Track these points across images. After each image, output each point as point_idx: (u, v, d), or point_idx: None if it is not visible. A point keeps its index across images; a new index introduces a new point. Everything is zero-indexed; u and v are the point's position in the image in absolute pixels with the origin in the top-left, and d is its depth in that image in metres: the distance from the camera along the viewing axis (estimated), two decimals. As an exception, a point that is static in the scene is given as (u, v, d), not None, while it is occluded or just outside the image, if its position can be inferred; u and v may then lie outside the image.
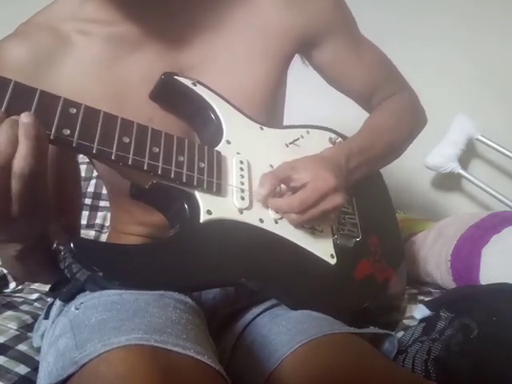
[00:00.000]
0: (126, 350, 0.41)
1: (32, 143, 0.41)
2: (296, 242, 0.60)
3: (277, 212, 0.60)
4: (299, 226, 0.61)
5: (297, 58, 0.71)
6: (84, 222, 1.13)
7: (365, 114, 0.79)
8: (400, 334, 0.70)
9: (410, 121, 0.77)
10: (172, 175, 0.52)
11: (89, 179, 1.19)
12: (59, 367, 0.44)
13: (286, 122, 0.74)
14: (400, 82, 0.79)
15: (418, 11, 1.46)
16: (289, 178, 0.59)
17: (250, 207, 0.58)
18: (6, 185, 0.42)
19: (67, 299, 0.56)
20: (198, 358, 0.43)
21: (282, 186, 0.61)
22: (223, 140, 0.61)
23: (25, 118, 0.42)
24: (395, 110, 0.76)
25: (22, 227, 0.46)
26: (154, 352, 0.42)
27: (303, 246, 0.61)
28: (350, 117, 0.80)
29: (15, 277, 0.95)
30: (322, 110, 1.23)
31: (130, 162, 0.49)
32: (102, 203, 1.16)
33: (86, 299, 0.51)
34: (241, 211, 0.57)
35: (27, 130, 0.41)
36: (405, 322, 0.74)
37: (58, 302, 0.59)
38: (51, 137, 0.45)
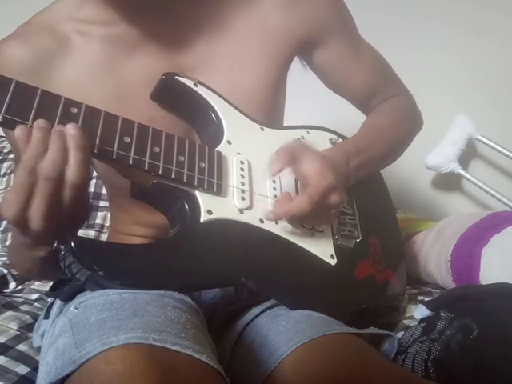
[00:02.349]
0: (124, 348, 0.41)
1: (82, 154, 0.44)
2: (296, 243, 0.61)
3: (289, 220, 0.59)
4: (299, 226, 0.61)
5: (296, 61, 0.72)
6: (84, 221, 1.13)
7: (363, 116, 0.79)
8: (400, 334, 0.70)
9: (407, 122, 0.78)
10: (173, 175, 0.52)
11: (89, 179, 1.19)
12: (58, 366, 0.44)
13: (285, 124, 0.74)
14: (397, 84, 0.80)
15: (418, 13, 1.46)
16: (296, 157, 0.58)
17: (250, 207, 0.58)
18: (58, 194, 0.44)
19: (67, 299, 0.56)
20: (197, 356, 0.43)
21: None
22: (224, 140, 0.61)
23: (73, 130, 0.44)
24: (393, 112, 0.76)
25: (65, 232, 0.49)
26: (152, 351, 0.42)
27: (303, 247, 0.61)
28: (349, 119, 0.80)
29: (30, 278, 0.95)
30: (321, 112, 1.23)
31: (130, 162, 0.50)
32: (102, 203, 1.16)
33: (86, 298, 0.51)
34: (241, 211, 0.57)
35: (77, 141, 0.44)
36: (405, 322, 0.74)
37: (58, 302, 0.59)
38: None
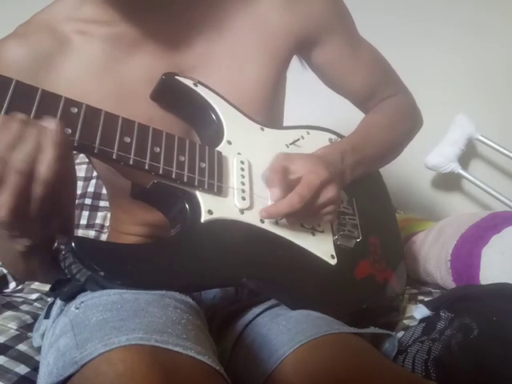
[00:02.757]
0: (126, 349, 0.41)
1: (58, 151, 0.42)
2: (296, 243, 0.61)
3: (281, 218, 0.59)
4: (299, 226, 0.61)
5: (295, 61, 0.72)
6: (84, 222, 1.13)
7: (363, 116, 0.79)
8: (400, 334, 0.70)
9: (406, 121, 0.78)
10: (173, 175, 0.52)
11: (89, 179, 1.19)
12: (60, 367, 0.44)
13: (285, 124, 0.74)
14: (397, 83, 0.80)
15: (418, 12, 1.46)
16: (287, 168, 0.59)
17: (250, 207, 0.58)
18: (28, 189, 0.42)
19: (68, 299, 0.56)
20: (199, 358, 0.43)
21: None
22: (224, 140, 0.61)
23: (51, 125, 0.42)
24: (392, 111, 0.76)
25: (37, 228, 0.47)
26: (154, 352, 0.42)
27: (303, 247, 0.61)
28: (348, 118, 0.80)
29: (15, 275, 0.95)
30: (321, 112, 1.23)
31: (131, 162, 0.50)
32: (102, 203, 1.16)
33: (87, 299, 0.51)
34: (242, 211, 0.57)
35: (54, 136, 0.42)
36: (405, 321, 0.74)
37: (58, 302, 0.59)
38: None
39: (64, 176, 0.44)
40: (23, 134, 0.41)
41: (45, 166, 0.42)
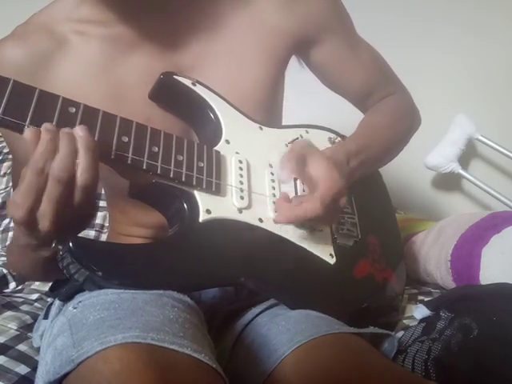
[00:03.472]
0: (122, 347, 0.41)
1: (92, 155, 0.44)
2: (295, 242, 0.60)
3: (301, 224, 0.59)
4: (299, 225, 0.61)
5: (294, 60, 0.72)
6: (84, 222, 1.13)
7: (361, 115, 0.79)
8: (400, 333, 0.69)
9: (405, 121, 0.78)
10: (171, 174, 0.52)
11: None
12: (57, 365, 0.44)
13: (284, 123, 0.74)
14: (395, 82, 0.80)
15: (418, 12, 1.46)
16: (304, 158, 0.58)
17: (249, 207, 0.58)
18: (68, 196, 0.44)
19: (66, 299, 0.56)
20: (195, 356, 0.43)
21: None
22: (222, 139, 0.61)
23: (81, 132, 0.44)
24: (391, 110, 0.76)
25: (71, 232, 0.49)
26: (150, 350, 0.42)
27: (302, 246, 0.61)
28: (347, 117, 0.80)
29: (33, 280, 0.95)
30: (320, 111, 1.23)
31: (129, 162, 0.50)
32: (102, 203, 1.15)
33: (85, 298, 0.51)
34: (240, 211, 0.57)
35: (86, 142, 0.44)
36: (405, 321, 0.74)
37: (57, 302, 0.59)
38: None
39: (97, 179, 0.46)
40: (56, 144, 0.43)
41: (83, 172, 0.44)
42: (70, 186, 0.44)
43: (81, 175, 0.44)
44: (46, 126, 0.44)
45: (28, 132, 0.44)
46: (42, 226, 0.45)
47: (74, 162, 0.44)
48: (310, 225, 0.61)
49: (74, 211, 0.45)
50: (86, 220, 0.50)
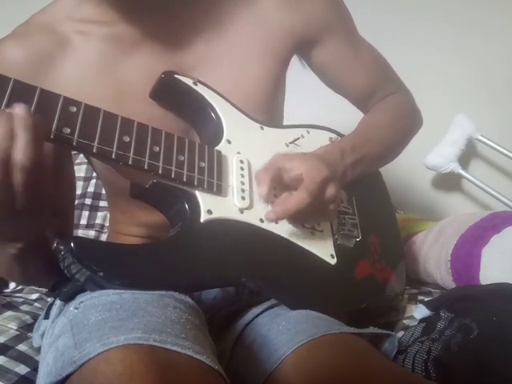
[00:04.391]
0: (124, 349, 0.41)
1: (29, 134, 0.41)
2: (296, 242, 0.60)
3: (291, 218, 0.59)
4: (299, 225, 0.61)
5: (295, 60, 0.72)
6: (84, 222, 1.13)
7: (361, 115, 0.79)
8: (400, 333, 0.69)
9: (406, 120, 0.78)
10: (172, 175, 0.52)
11: (89, 179, 1.19)
12: (58, 367, 0.44)
13: (285, 123, 0.74)
14: (396, 83, 0.80)
15: (418, 12, 1.46)
16: (282, 168, 0.59)
17: (250, 207, 0.58)
18: (8, 179, 0.41)
19: (67, 299, 0.56)
20: (197, 357, 0.43)
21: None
22: (223, 139, 0.61)
23: (19, 110, 0.42)
24: (391, 110, 0.76)
25: (27, 221, 0.46)
26: (152, 351, 0.42)
27: (303, 246, 0.61)
28: (348, 118, 0.80)
29: (12, 281, 0.95)
30: (321, 111, 1.23)
31: (130, 162, 0.49)
32: (102, 203, 1.16)
33: (86, 299, 0.51)
34: (241, 211, 0.57)
35: (23, 121, 0.41)
36: (405, 321, 0.74)
37: (58, 302, 0.59)
38: (51, 135, 0.45)
39: (43, 162, 0.43)
40: None
41: (19, 152, 0.41)
42: (8, 167, 0.41)
43: (16, 155, 0.41)
44: None
45: None
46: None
47: (10, 142, 0.41)
48: (300, 219, 0.60)
49: (20, 197, 0.42)
50: (45, 213, 0.47)
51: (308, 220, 0.62)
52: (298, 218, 0.60)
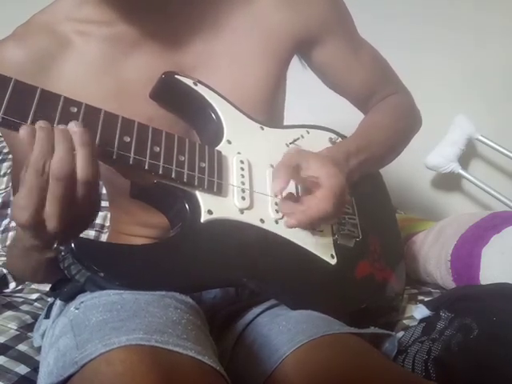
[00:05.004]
0: (126, 350, 0.41)
1: (89, 150, 0.44)
2: (296, 242, 0.60)
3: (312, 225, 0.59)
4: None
5: (295, 60, 0.72)
6: (84, 221, 1.13)
7: (362, 116, 0.79)
8: (400, 334, 0.69)
9: (406, 121, 0.78)
10: (173, 175, 0.52)
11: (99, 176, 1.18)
12: (60, 367, 0.44)
13: (285, 123, 0.74)
14: (396, 83, 0.80)
15: (418, 14, 1.46)
16: (299, 166, 0.58)
17: (250, 207, 0.58)
18: (71, 194, 0.44)
19: (67, 299, 0.56)
20: (199, 358, 0.43)
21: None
22: (224, 140, 0.61)
23: (76, 127, 0.44)
24: (391, 110, 0.76)
25: (77, 231, 0.49)
26: (154, 352, 0.42)
27: (304, 246, 0.61)
28: (348, 118, 0.80)
29: (32, 281, 0.95)
30: (321, 111, 1.23)
31: (130, 162, 0.50)
32: (102, 203, 1.14)
33: (87, 299, 0.51)
34: (241, 211, 0.57)
35: (82, 138, 0.44)
36: (405, 321, 0.74)
37: (58, 302, 0.59)
38: None
39: (98, 173, 0.46)
40: (51, 142, 0.43)
41: (82, 168, 0.44)
42: (72, 183, 0.44)
43: (81, 171, 0.44)
44: (39, 123, 0.44)
45: (23, 131, 0.43)
46: (49, 226, 0.44)
47: (72, 159, 0.43)
48: (319, 224, 0.60)
49: (79, 208, 0.45)
50: (91, 217, 0.50)
51: (322, 224, 0.62)
52: (319, 224, 0.60)
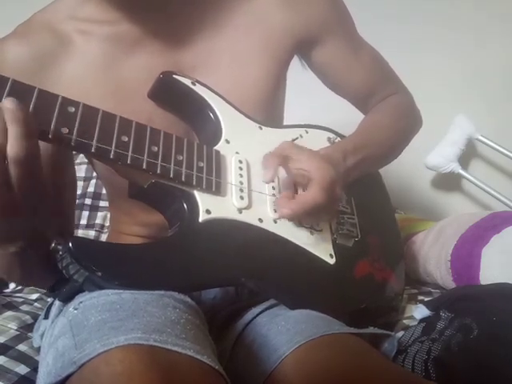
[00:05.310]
0: (125, 349, 0.41)
1: (21, 127, 0.41)
2: (295, 242, 0.60)
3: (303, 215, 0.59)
4: (298, 224, 0.61)
5: (295, 61, 0.72)
6: (84, 222, 1.13)
7: (362, 116, 0.79)
8: (400, 333, 0.69)
9: (406, 121, 0.78)
10: (171, 174, 0.52)
11: (89, 179, 1.19)
12: (58, 367, 0.44)
13: (285, 123, 0.74)
14: (396, 83, 0.80)
15: (418, 14, 1.46)
16: (289, 157, 0.59)
17: (249, 207, 0.58)
18: (4, 173, 0.42)
19: (66, 299, 0.56)
20: (198, 357, 0.43)
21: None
22: (222, 139, 0.61)
23: (8, 104, 0.42)
24: (391, 111, 0.76)
25: (24, 219, 0.46)
26: (152, 351, 0.42)
27: (302, 246, 0.61)
28: (348, 118, 0.80)
29: (11, 281, 0.95)
30: (320, 111, 1.23)
31: (128, 161, 0.49)
32: (102, 203, 1.16)
33: (85, 299, 0.51)
34: (240, 211, 0.57)
35: (14, 114, 0.41)
36: (405, 321, 0.74)
37: (57, 302, 0.59)
38: (49, 135, 0.45)
39: (37, 156, 0.43)
40: None
41: (13, 144, 0.41)
42: (2, 161, 0.41)
43: (10, 148, 0.41)
44: None
45: None
46: None
47: (3, 136, 0.41)
48: (313, 216, 0.60)
49: (18, 192, 0.43)
50: (38, 203, 0.46)
51: (312, 219, 0.62)
52: (307, 217, 0.60)
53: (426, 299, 0.79)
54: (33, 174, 0.43)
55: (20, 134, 0.41)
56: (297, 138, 0.68)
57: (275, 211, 0.60)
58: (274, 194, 0.61)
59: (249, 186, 0.60)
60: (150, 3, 0.60)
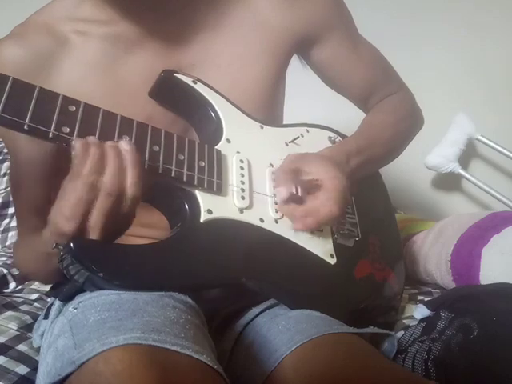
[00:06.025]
0: (124, 349, 0.41)
1: (139, 169, 0.46)
2: (296, 242, 0.60)
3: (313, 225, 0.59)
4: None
5: (295, 60, 0.72)
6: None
7: (362, 114, 0.79)
8: (400, 333, 0.69)
9: (407, 120, 0.78)
10: (172, 174, 0.52)
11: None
12: (58, 367, 0.44)
13: (285, 122, 0.74)
14: (397, 82, 0.80)
15: (418, 12, 1.46)
16: (299, 170, 0.60)
17: (250, 207, 0.58)
18: (116, 208, 0.46)
19: (66, 299, 0.56)
20: (197, 357, 0.43)
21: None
22: (223, 139, 0.60)
23: (127, 146, 0.46)
24: (393, 110, 0.76)
25: (114, 239, 0.51)
26: (152, 351, 0.41)
27: (303, 246, 0.61)
28: (348, 117, 0.80)
29: (34, 279, 0.95)
30: (321, 110, 1.23)
31: (129, 161, 0.49)
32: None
33: (85, 299, 0.51)
34: (241, 211, 0.57)
35: (133, 156, 0.46)
36: (405, 321, 0.74)
37: (57, 302, 0.59)
38: (50, 135, 0.45)
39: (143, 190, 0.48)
40: (104, 158, 0.46)
41: (131, 185, 0.46)
42: (120, 198, 0.46)
43: (130, 188, 0.46)
44: (91, 139, 0.46)
45: (78, 144, 0.45)
46: (92, 236, 0.47)
47: (124, 176, 0.46)
48: (325, 226, 0.61)
49: (121, 222, 0.48)
50: (126, 228, 0.52)
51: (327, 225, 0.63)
52: (325, 225, 0.61)
53: (426, 299, 0.79)
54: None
55: (138, 175, 0.46)
56: (297, 137, 0.68)
57: (276, 211, 0.60)
58: (275, 194, 0.61)
59: (250, 186, 0.60)
60: (148, 2, 0.60)
